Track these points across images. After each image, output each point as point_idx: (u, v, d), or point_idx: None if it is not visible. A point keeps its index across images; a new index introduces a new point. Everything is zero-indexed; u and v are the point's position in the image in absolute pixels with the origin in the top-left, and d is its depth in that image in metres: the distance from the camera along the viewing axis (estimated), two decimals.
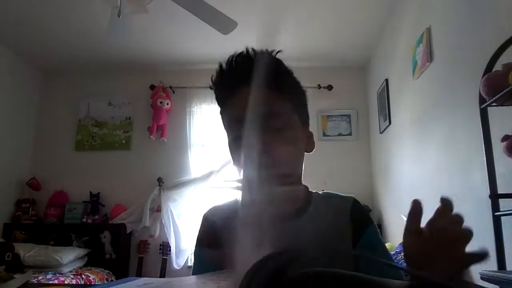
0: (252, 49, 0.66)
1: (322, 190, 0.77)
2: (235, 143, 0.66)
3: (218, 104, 0.71)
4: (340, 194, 0.75)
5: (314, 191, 0.75)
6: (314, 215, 0.69)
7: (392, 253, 2.32)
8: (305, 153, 0.73)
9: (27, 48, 3.60)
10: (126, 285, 0.45)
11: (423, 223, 0.49)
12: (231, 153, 0.68)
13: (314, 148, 0.74)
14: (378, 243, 0.70)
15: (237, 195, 0.77)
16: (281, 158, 0.63)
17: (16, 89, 3.72)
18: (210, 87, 0.70)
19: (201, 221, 0.77)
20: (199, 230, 0.75)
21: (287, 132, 0.65)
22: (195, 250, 0.76)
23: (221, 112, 0.71)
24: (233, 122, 0.66)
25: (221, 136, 0.72)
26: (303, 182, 0.74)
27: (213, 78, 0.69)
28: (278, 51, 0.67)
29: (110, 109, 3.95)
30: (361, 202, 0.75)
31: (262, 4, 2.89)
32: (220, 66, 0.67)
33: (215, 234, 0.70)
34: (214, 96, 0.71)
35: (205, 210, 0.78)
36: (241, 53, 0.66)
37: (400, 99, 2.84)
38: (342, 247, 0.66)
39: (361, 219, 0.70)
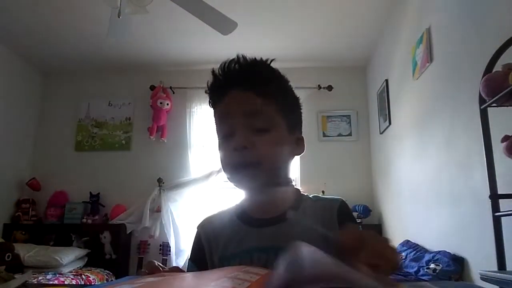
0: (244, 56, 0.70)
1: (322, 192, 0.78)
2: (223, 141, 0.70)
3: (211, 106, 0.75)
4: (329, 197, 0.77)
5: (305, 194, 0.77)
6: (302, 217, 0.71)
7: None
8: (298, 156, 0.75)
9: (27, 48, 3.60)
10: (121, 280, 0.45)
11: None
12: (219, 150, 0.72)
13: (303, 151, 0.76)
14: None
15: (233, 202, 0.79)
16: (258, 154, 0.66)
17: (16, 89, 3.72)
18: (206, 91, 0.74)
19: (197, 226, 0.80)
20: (192, 242, 0.80)
21: (270, 133, 0.67)
22: (188, 260, 0.80)
23: (213, 114, 0.74)
24: (221, 122, 0.70)
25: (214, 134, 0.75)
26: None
27: (208, 82, 0.73)
28: (272, 60, 0.72)
29: (110, 110, 3.95)
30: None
31: (262, 5, 2.90)
32: (213, 71, 0.72)
33: (201, 251, 0.74)
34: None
35: (200, 219, 0.81)
36: (233, 59, 0.70)
37: (400, 99, 2.84)
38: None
39: (346, 219, 0.72)
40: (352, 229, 0.48)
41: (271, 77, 0.71)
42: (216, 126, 0.73)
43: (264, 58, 0.71)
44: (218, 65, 0.72)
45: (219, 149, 0.72)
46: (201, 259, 0.74)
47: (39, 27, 3.23)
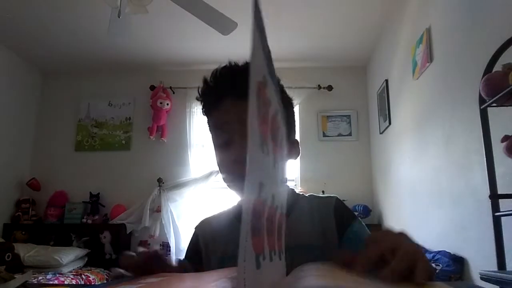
0: (236, 63, 0.69)
1: (322, 191, 0.78)
2: (219, 149, 0.70)
3: (204, 113, 0.74)
4: (324, 195, 0.79)
5: (301, 194, 0.78)
6: (299, 215, 0.72)
7: None
8: (294, 159, 0.76)
9: (27, 48, 3.60)
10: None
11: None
12: (216, 157, 0.72)
13: (298, 155, 0.76)
14: (366, 234, 0.72)
15: (231, 204, 0.79)
16: None
17: (16, 89, 3.72)
18: (197, 98, 0.73)
19: (195, 227, 0.81)
20: (189, 242, 0.80)
21: None
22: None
23: (207, 121, 0.74)
24: (216, 130, 0.70)
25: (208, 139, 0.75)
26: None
27: (199, 89, 0.72)
28: None
29: (110, 110, 3.95)
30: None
31: (262, 5, 2.89)
32: (205, 78, 0.71)
33: (198, 253, 0.75)
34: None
35: (198, 220, 0.82)
36: (225, 65, 0.70)
37: (400, 99, 2.84)
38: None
39: (345, 214, 0.73)
40: (382, 234, 0.45)
41: None
42: (212, 134, 0.72)
43: None
44: (218, 65, 0.71)
45: (216, 157, 0.71)
46: (196, 260, 0.74)
47: (39, 27, 3.23)
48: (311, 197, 0.77)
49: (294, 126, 0.77)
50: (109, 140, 3.89)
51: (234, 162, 0.65)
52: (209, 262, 0.73)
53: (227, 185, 0.71)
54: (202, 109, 0.74)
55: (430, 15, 2.29)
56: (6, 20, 3.11)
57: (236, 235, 0.69)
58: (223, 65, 0.70)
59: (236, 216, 0.74)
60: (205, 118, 0.75)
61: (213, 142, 0.72)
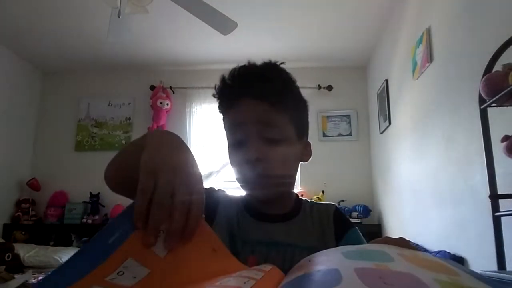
0: (254, 63, 0.69)
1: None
2: (233, 148, 0.70)
3: (220, 112, 0.74)
4: (322, 202, 0.80)
5: (303, 199, 0.79)
6: (302, 219, 0.74)
7: None
8: (306, 162, 0.78)
9: (27, 48, 3.60)
10: None
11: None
12: (229, 156, 0.72)
13: (310, 157, 0.78)
14: (362, 242, 0.73)
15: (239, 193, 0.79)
16: (271, 167, 0.66)
17: (16, 89, 3.72)
18: (213, 95, 0.73)
19: (212, 188, 0.77)
20: (206, 188, 0.74)
21: (281, 143, 0.68)
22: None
23: (223, 119, 0.74)
24: (233, 129, 0.70)
25: (221, 137, 0.74)
26: (303, 183, 0.77)
27: (217, 86, 0.72)
28: (281, 63, 0.71)
29: (110, 110, 3.95)
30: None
31: (262, 5, 2.90)
32: (223, 76, 0.71)
33: (213, 211, 0.71)
34: (214, 98, 0.74)
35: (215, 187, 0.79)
36: (244, 65, 0.70)
37: (400, 99, 2.84)
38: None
39: (342, 222, 0.75)
40: (381, 240, 0.47)
41: (283, 86, 0.71)
42: (227, 133, 0.72)
43: (273, 61, 0.70)
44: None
45: (230, 156, 0.71)
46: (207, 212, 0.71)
47: (39, 27, 3.23)
48: (312, 203, 0.79)
49: (308, 128, 0.78)
50: (109, 140, 3.89)
51: (247, 162, 0.66)
52: (220, 236, 0.70)
53: (240, 186, 0.71)
54: (218, 107, 0.74)
55: (430, 15, 2.29)
56: (6, 20, 3.11)
57: (243, 222, 0.68)
58: (241, 64, 0.70)
59: (244, 205, 0.74)
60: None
61: (227, 141, 0.72)
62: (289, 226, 0.71)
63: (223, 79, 0.71)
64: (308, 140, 0.78)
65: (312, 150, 0.78)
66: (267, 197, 0.70)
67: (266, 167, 0.65)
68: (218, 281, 0.38)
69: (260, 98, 0.67)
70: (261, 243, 0.68)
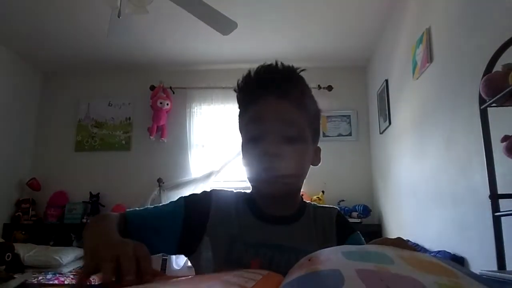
0: (281, 63, 0.73)
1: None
2: (251, 143, 0.70)
3: (240, 106, 0.76)
4: (325, 205, 0.82)
5: (307, 202, 0.80)
6: (306, 221, 0.74)
7: None
8: (315, 165, 0.80)
9: (27, 48, 3.60)
10: None
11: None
12: (244, 150, 0.72)
13: (320, 162, 0.79)
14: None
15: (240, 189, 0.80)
16: (286, 164, 0.67)
17: (16, 89, 3.72)
18: (234, 90, 0.75)
19: (205, 191, 0.76)
20: (195, 197, 0.75)
21: (298, 143, 0.69)
22: (176, 200, 0.74)
23: (240, 114, 0.76)
24: (254, 124, 0.70)
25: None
26: (304, 184, 0.77)
27: (239, 82, 0.74)
28: (302, 69, 0.74)
29: (110, 110, 3.95)
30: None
31: (262, 5, 2.90)
32: (249, 72, 0.72)
33: (202, 215, 0.71)
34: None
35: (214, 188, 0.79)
36: (270, 64, 0.72)
37: (400, 99, 2.84)
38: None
39: (345, 226, 0.76)
40: (379, 241, 0.48)
41: (305, 89, 0.74)
42: (243, 127, 0.73)
43: (295, 67, 0.74)
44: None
45: (245, 150, 0.72)
46: (195, 220, 0.70)
47: (39, 27, 3.23)
48: (315, 206, 0.80)
49: (319, 133, 0.80)
50: (109, 140, 3.89)
51: (264, 154, 0.66)
52: (216, 239, 0.69)
53: (250, 181, 0.71)
54: (239, 102, 0.76)
55: (430, 15, 2.29)
56: (6, 20, 3.11)
57: (245, 222, 0.69)
58: (268, 63, 0.72)
59: (247, 203, 0.74)
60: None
61: (244, 138, 0.73)
62: (293, 229, 0.72)
63: (248, 75, 0.73)
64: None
65: (321, 156, 0.80)
66: (276, 194, 0.69)
67: (282, 163, 0.66)
68: (221, 277, 0.38)
69: (285, 97, 0.69)
70: (265, 246, 0.68)
